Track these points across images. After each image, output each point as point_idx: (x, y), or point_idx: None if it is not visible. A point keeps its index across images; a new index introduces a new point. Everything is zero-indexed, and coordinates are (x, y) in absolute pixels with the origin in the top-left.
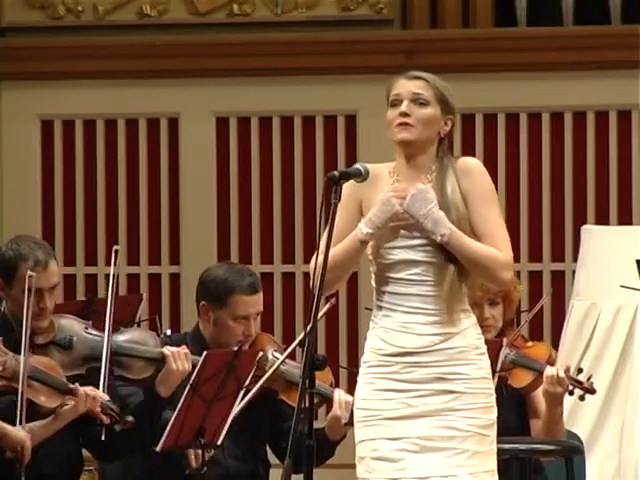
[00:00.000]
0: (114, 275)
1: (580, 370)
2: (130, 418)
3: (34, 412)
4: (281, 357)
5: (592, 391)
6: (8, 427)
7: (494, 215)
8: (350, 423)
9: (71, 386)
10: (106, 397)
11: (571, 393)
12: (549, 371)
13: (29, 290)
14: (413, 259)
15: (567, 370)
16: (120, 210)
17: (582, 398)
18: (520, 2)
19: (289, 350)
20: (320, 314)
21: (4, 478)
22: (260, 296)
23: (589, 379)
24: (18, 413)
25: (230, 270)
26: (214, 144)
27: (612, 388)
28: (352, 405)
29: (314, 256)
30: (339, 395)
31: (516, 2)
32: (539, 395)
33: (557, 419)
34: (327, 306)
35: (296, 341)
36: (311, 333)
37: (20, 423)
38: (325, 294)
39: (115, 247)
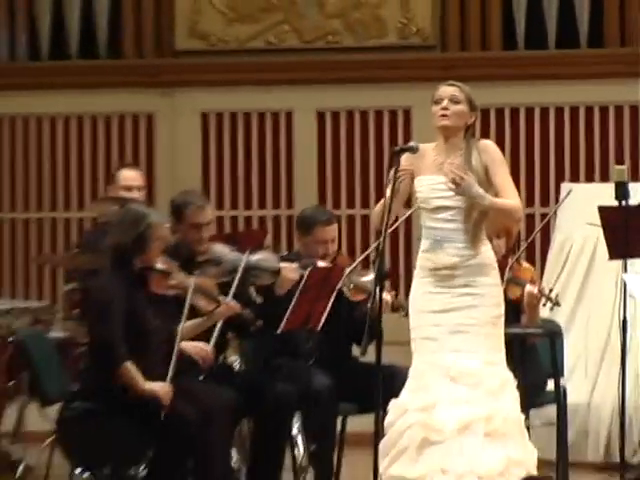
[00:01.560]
0: (249, 217)
1: (551, 290)
2: (259, 322)
3: (194, 314)
4: (350, 268)
5: (558, 304)
6: (144, 383)
7: (506, 177)
8: (406, 315)
9: (220, 297)
10: (240, 307)
11: (544, 305)
12: (528, 288)
13: (194, 225)
14: (448, 205)
15: (541, 290)
16: (253, 178)
17: (551, 309)
18: (520, 27)
19: (359, 260)
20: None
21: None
22: (334, 227)
23: (557, 296)
24: (184, 316)
25: (313, 210)
26: (316, 131)
27: (580, 294)
28: (392, 301)
29: (380, 201)
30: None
31: (516, 26)
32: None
33: (533, 319)
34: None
35: (363, 255)
36: (382, 254)
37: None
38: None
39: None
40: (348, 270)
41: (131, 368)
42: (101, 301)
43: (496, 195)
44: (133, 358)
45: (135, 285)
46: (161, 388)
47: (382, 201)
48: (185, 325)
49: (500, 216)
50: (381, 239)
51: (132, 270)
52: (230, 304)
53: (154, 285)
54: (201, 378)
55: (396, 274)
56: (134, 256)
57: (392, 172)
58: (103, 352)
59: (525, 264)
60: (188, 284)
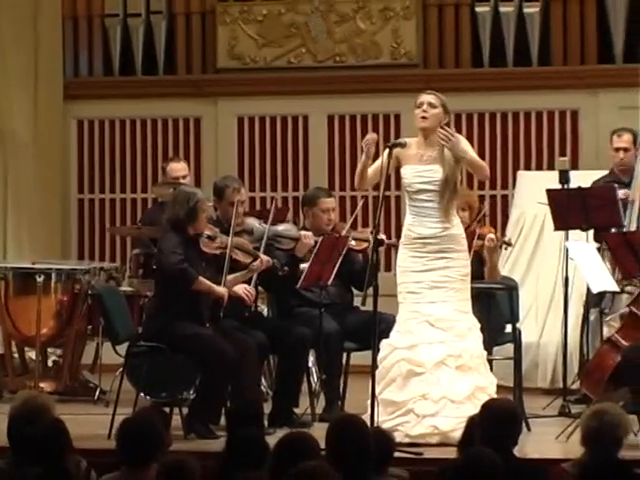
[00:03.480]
0: (274, 198)
1: (504, 236)
2: (286, 268)
3: (234, 267)
4: (347, 226)
5: (510, 244)
6: (214, 286)
7: (473, 150)
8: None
9: (256, 253)
10: (272, 260)
11: (500, 247)
12: (489, 235)
13: (232, 202)
14: (427, 188)
15: (497, 237)
16: (278, 167)
17: (505, 249)
18: (485, 49)
19: (350, 220)
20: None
21: (214, 315)
22: (332, 200)
23: (509, 239)
24: (226, 266)
25: (314, 189)
26: (326, 131)
27: (532, 257)
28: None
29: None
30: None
31: (482, 49)
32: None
33: (494, 265)
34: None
35: (355, 212)
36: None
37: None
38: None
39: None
40: (347, 227)
41: (203, 281)
42: (171, 244)
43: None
44: (188, 303)
45: (189, 247)
46: (225, 291)
47: (359, 169)
48: (229, 278)
49: (476, 170)
50: (377, 219)
51: (187, 236)
52: (264, 258)
53: (204, 247)
54: (247, 314)
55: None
56: (187, 225)
57: (386, 161)
58: (179, 276)
59: (487, 225)
60: (228, 243)
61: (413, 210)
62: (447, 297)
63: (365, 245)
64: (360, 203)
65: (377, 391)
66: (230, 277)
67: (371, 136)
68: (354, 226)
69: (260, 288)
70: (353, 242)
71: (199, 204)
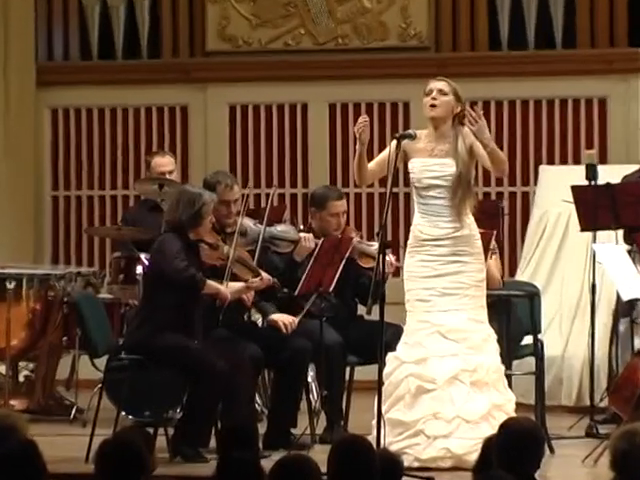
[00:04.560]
0: (271, 194)
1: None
2: (285, 290)
3: (232, 279)
4: (356, 236)
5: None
6: (220, 287)
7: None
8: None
9: (258, 270)
10: (272, 279)
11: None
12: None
13: (224, 201)
14: (437, 184)
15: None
16: (274, 161)
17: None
18: (503, 30)
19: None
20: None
21: (211, 321)
22: (344, 202)
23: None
24: (226, 279)
25: (325, 188)
26: (327, 121)
27: (555, 261)
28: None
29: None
30: (389, 257)
31: (500, 30)
32: None
33: (492, 274)
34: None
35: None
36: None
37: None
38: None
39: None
40: (356, 237)
41: (211, 283)
42: (175, 249)
43: (485, 161)
44: (178, 312)
45: (189, 253)
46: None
47: (356, 160)
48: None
49: (497, 163)
50: (384, 214)
51: (187, 240)
52: (265, 277)
53: (205, 256)
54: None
55: (396, 245)
56: (189, 229)
57: (393, 154)
58: (188, 283)
59: None
60: (230, 255)
61: (422, 208)
62: (460, 305)
63: (371, 264)
64: (376, 213)
65: (383, 410)
66: (231, 286)
67: (363, 119)
68: (360, 229)
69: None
70: (357, 257)
71: (205, 208)
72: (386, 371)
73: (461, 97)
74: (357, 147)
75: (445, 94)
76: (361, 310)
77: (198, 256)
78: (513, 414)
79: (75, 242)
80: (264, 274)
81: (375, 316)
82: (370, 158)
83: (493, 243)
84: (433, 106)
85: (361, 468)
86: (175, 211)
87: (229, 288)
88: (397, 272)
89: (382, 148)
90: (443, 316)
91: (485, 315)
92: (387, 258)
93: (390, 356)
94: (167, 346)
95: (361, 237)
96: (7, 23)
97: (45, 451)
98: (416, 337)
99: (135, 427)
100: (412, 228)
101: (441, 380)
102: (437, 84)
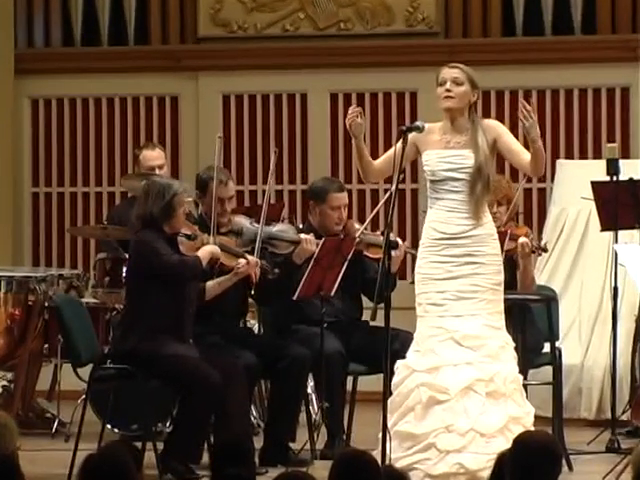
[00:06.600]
0: (268, 190)
1: (540, 240)
2: (277, 270)
3: (221, 271)
4: (361, 227)
5: (545, 250)
6: (210, 246)
7: (517, 141)
8: (412, 282)
9: (243, 253)
10: (261, 262)
11: (534, 252)
12: (521, 239)
13: (218, 198)
14: (454, 177)
15: (532, 239)
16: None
17: (539, 255)
18: (518, 15)
19: (367, 221)
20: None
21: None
22: (345, 194)
23: (545, 244)
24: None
25: (325, 180)
26: (328, 112)
27: (574, 263)
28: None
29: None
30: (395, 252)
31: (515, 15)
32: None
33: (528, 273)
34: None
35: (370, 215)
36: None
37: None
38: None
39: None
40: (361, 229)
41: (204, 250)
42: (160, 243)
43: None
44: (167, 316)
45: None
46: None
47: (354, 155)
48: (210, 283)
49: (538, 161)
50: (389, 213)
51: (163, 235)
52: (251, 259)
53: (184, 249)
54: (252, 292)
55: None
56: (163, 223)
57: (399, 148)
58: (187, 271)
59: (521, 224)
60: (211, 243)
61: (436, 204)
62: (476, 310)
63: (380, 254)
64: (384, 198)
65: (391, 422)
66: (210, 283)
67: (352, 108)
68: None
69: (250, 300)
70: (365, 249)
71: (176, 198)
72: (395, 380)
73: (477, 84)
74: (353, 141)
75: (460, 84)
76: (366, 315)
77: (177, 249)
78: (531, 427)
79: (57, 242)
80: (249, 256)
81: (380, 321)
82: (374, 153)
83: (535, 243)
84: (448, 97)
85: None
86: (145, 205)
87: (211, 288)
88: (403, 268)
89: (387, 141)
90: (457, 322)
91: (502, 321)
92: (392, 253)
93: (399, 364)
94: (156, 354)
95: (366, 228)
96: None
97: (25, 467)
98: (428, 344)
99: (122, 441)
100: (425, 226)
101: (454, 390)
102: (451, 72)
